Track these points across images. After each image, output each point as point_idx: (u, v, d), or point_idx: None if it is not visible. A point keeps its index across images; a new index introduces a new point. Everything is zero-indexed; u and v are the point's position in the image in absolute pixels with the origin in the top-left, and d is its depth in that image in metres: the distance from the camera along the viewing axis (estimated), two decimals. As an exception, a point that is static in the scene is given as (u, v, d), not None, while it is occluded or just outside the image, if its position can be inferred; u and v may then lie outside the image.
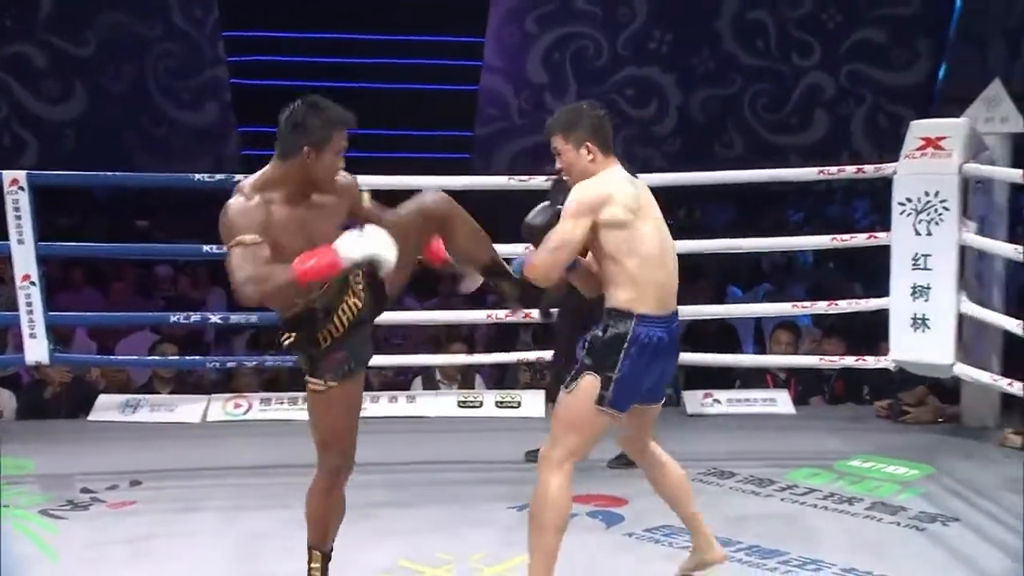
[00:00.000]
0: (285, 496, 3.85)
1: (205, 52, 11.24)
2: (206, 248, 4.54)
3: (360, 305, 2.71)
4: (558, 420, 2.73)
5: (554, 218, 2.73)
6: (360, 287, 2.71)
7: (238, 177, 5.26)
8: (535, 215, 2.80)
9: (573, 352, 4.09)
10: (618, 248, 2.66)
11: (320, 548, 2.85)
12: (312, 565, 2.86)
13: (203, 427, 4.89)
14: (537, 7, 12.16)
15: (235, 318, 4.85)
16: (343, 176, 2.71)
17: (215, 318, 4.89)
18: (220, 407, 5.01)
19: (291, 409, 4.96)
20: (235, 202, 2.61)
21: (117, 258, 7.06)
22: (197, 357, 5.25)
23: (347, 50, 10.80)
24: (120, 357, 5.52)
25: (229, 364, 5.18)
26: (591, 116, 2.76)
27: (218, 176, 4.71)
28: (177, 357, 5.12)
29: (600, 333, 2.69)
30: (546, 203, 2.82)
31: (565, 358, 4.14)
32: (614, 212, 2.66)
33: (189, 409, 4.98)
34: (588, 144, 2.72)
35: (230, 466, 4.22)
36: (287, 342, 2.73)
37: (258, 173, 2.68)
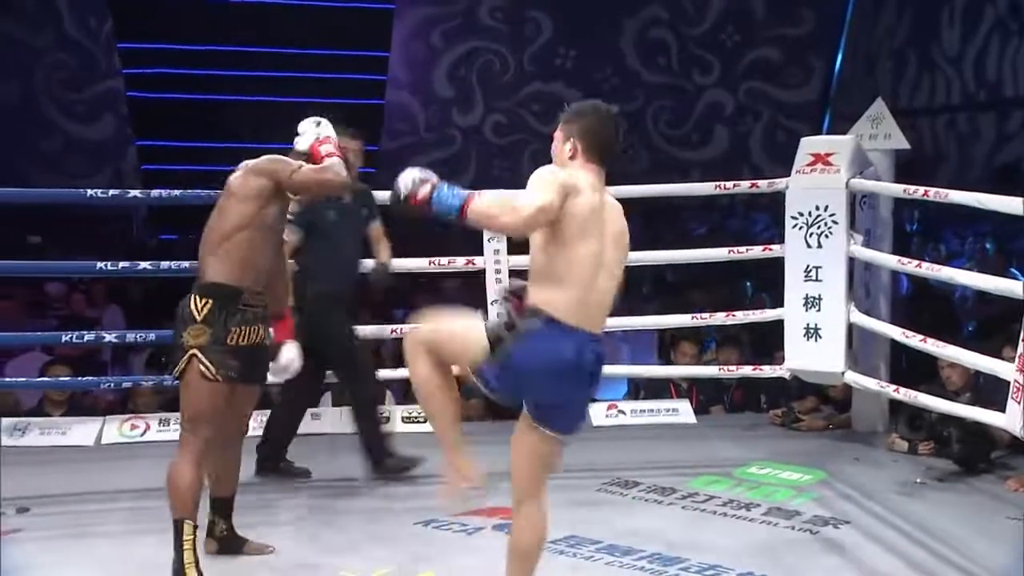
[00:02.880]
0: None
1: (100, 63, 10.94)
2: (101, 265, 4.40)
3: (259, 338, 3.14)
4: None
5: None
6: (264, 328, 3.18)
7: (134, 192, 5.19)
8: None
9: None
10: (560, 240, 2.47)
11: (194, 519, 2.99)
12: (186, 537, 2.96)
13: (97, 450, 4.73)
14: (443, 22, 12.20)
15: (132, 336, 4.71)
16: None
17: (110, 337, 4.74)
18: (116, 429, 4.86)
19: (191, 429, 4.84)
20: (265, 158, 3.19)
21: (6, 276, 6.79)
22: (91, 378, 5.08)
23: (250, 63, 10.64)
24: (8, 379, 5.31)
25: (125, 384, 5.02)
26: (593, 119, 2.61)
27: (112, 192, 4.57)
28: (70, 378, 4.95)
29: (507, 319, 2.53)
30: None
31: None
32: (581, 205, 2.48)
33: (82, 431, 4.81)
34: (575, 141, 2.58)
35: (125, 489, 4.09)
36: (205, 307, 2.99)
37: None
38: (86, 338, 4.68)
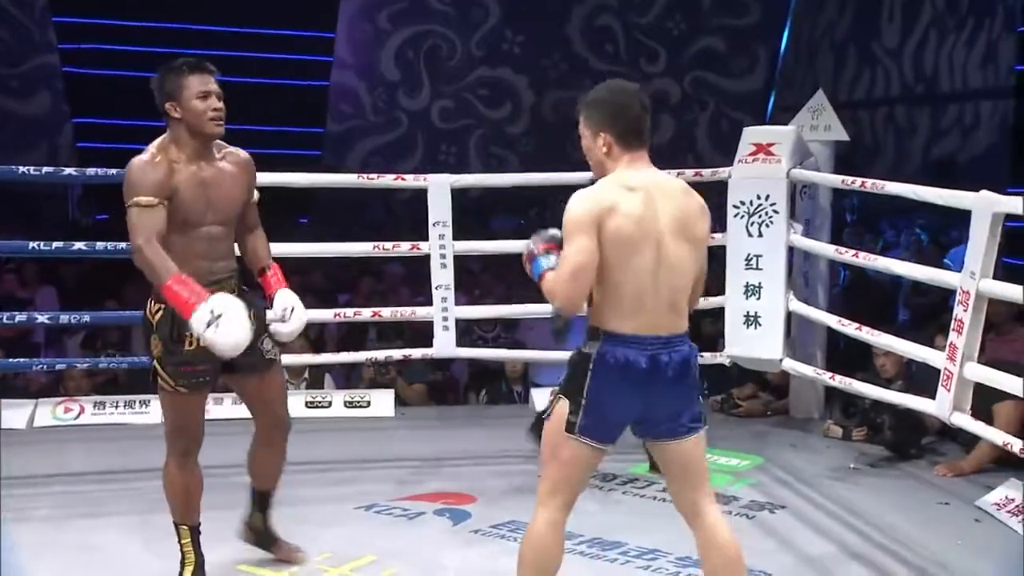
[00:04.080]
0: (117, 503, 3.71)
1: (34, 37, 10.63)
2: (33, 244, 4.28)
3: None
4: (542, 450, 2.50)
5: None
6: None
7: (68, 170, 5.05)
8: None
9: None
10: (605, 263, 2.33)
11: (187, 522, 2.90)
12: (183, 541, 2.90)
13: (29, 433, 4.63)
14: (390, 4, 12.08)
15: (65, 318, 4.60)
16: (238, 152, 2.86)
17: (43, 318, 4.62)
18: (49, 412, 4.76)
19: (127, 413, 4.77)
20: (137, 161, 2.71)
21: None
22: (23, 360, 4.95)
23: (191, 41, 10.39)
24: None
25: (59, 366, 4.90)
26: (615, 100, 2.40)
27: (46, 169, 4.44)
28: (0, 360, 4.82)
29: (574, 353, 2.44)
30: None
31: None
32: (619, 225, 2.32)
33: (14, 414, 4.70)
34: (603, 133, 2.39)
35: (58, 473, 4.01)
36: (157, 315, 2.75)
37: (156, 140, 2.77)
38: (17, 319, 4.55)
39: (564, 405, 2.41)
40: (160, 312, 2.75)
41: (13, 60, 10.64)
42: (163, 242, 2.67)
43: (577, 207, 2.35)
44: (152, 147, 2.75)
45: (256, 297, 2.93)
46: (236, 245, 2.95)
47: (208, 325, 2.55)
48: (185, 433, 2.88)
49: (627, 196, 2.36)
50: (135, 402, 4.80)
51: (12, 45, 10.48)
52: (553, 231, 2.47)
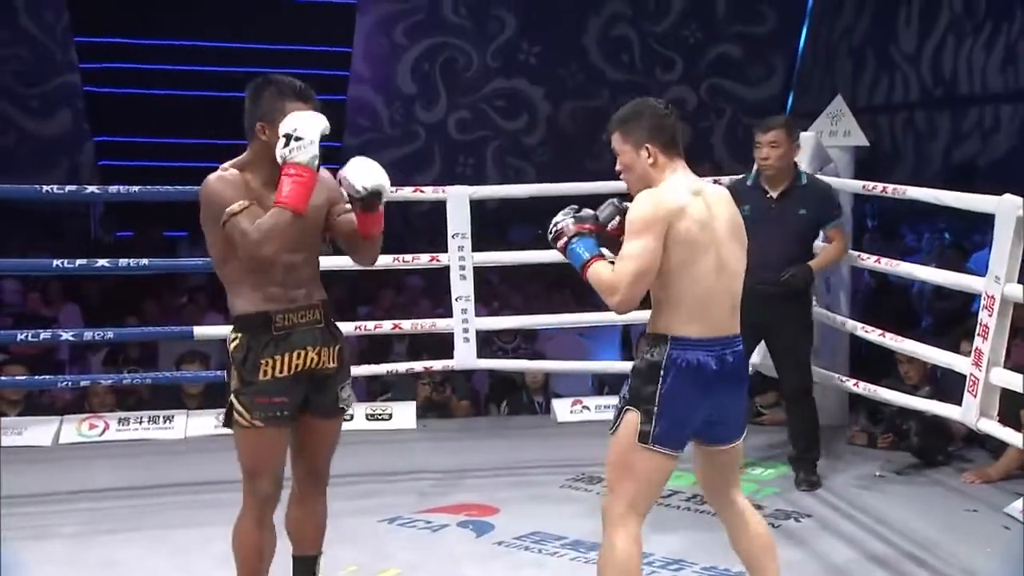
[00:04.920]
0: (141, 519, 3.73)
1: (56, 57, 10.74)
2: (57, 262, 4.32)
3: (317, 360, 2.59)
4: (610, 466, 2.47)
5: (619, 213, 2.46)
6: (322, 347, 2.60)
7: (91, 188, 5.10)
8: (602, 210, 2.50)
9: None
10: (669, 267, 2.36)
11: None
12: None
13: (55, 450, 4.66)
14: (406, 17, 12.13)
15: (89, 335, 4.63)
16: (323, 172, 2.55)
17: (67, 335, 4.65)
18: (74, 428, 4.79)
19: (151, 428, 4.79)
20: (214, 177, 2.52)
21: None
22: (48, 376, 4.99)
23: (209, 59, 10.51)
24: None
25: (83, 382, 4.93)
26: (653, 114, 2.47)
27: (69, 187, 4.48)
28: (26, 377, 4.86)
29: (638, 362, 2.43)
30: (612, 200, 2.54)
31: None
32: (688, 228, 2.37)
33: (39, 431, 4.73)
34: (648, 145, 2.44)
35: (83, 490, 4.04)
36: (233, 344, 2.55)
37: (236, 158, 2.59)
38: (42, 336, 4.59)
39: (634, 416, 2.39)
40: (236, 341, 2.55)
41: (34, 80, 10.76)
42: (234, 267, 2.51)
43: (649, 206, 2.37)
44: (227, 164, 2.57)
45: (342, 336, 2.70)
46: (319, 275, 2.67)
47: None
48: (265, 476, 2.56)
49: (693, 200, 2.41)
50: (159, 418, 4.83)
51: (32, 65, 10.60)
52: (587, 211, 2.48)
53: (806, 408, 4.14)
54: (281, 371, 2.55)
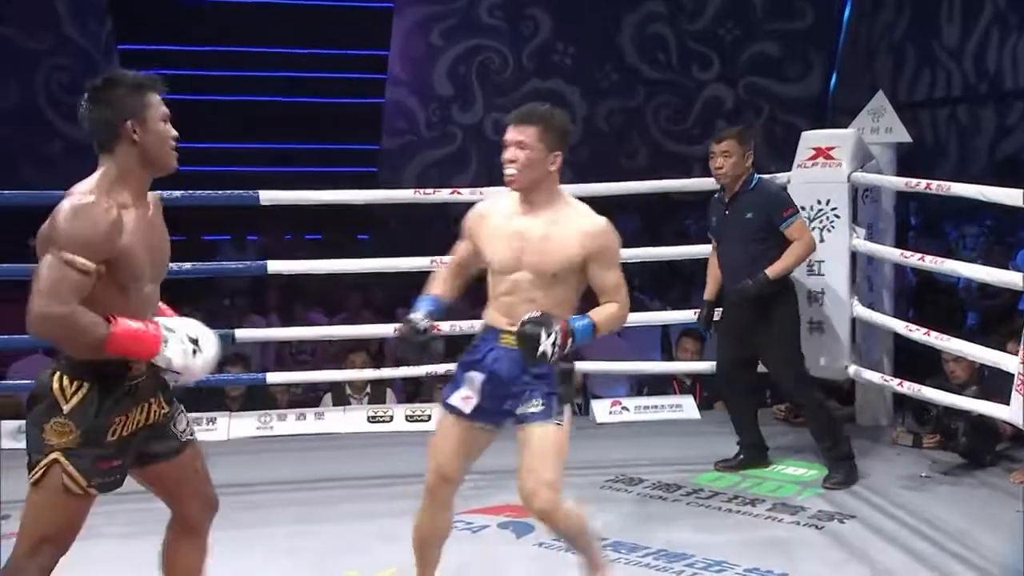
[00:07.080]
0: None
1: (100, 65, 10.92)
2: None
3: (158, 412, 2.30)
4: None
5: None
6: (160, 393, 2.31)
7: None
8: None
9: None
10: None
11: None
12: None
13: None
14: (442, 20, 12.18)
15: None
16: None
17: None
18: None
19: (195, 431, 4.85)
20: (80, 205, 2.11)
21: (8, 279, 6.77)
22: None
23: (248, 63, 10.62)
24: (13, 382, 5.30)
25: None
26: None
27: (113, 193, 4.54)
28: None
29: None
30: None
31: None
32: None
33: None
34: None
35: (128, 491, 4.06)
36: (74, 396, 2.15)
37: (95, 176, 2.22)
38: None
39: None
40: (80, 393, 2.15)
41: (78, 88, 10.94)
42: (89, 306, 2.11)
43: (618, 239, 2.68)
44: (93, 186, 2.18)
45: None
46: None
47: (194, 354, 2.15)
48: (60, 545, 2.23)
49: None
50: (202, 419, 4.88)
51: (77, 73, 10.78)
52: (533, 314, 2.60)
53: (812, 406, 4.11)
54: (127, 430, 2.23)
